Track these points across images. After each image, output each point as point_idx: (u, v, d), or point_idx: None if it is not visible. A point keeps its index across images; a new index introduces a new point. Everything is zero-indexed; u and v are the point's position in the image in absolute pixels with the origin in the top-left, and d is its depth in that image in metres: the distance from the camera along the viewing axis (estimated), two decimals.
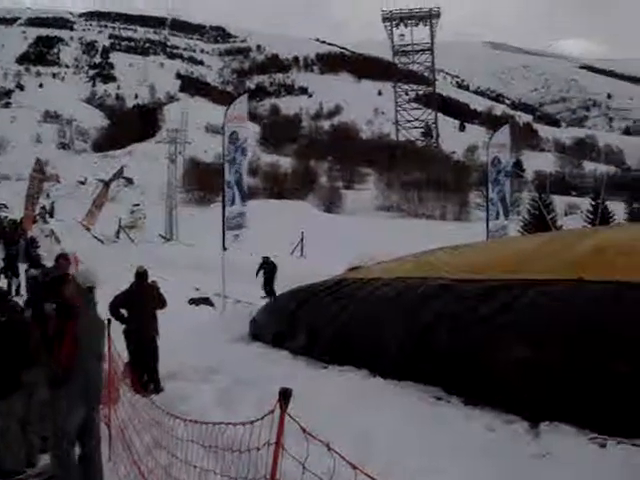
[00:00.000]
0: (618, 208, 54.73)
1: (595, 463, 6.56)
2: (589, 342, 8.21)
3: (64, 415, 6.22)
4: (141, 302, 10.76)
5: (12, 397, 6.77)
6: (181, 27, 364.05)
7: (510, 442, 7.55)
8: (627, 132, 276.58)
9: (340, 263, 21.58)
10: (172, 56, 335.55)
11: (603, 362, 7.92)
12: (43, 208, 56.80)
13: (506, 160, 23.95)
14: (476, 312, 9.92)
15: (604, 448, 7.05)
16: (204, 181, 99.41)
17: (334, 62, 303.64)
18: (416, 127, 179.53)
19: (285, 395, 3.37)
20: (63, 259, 11.95)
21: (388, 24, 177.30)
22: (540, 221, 43.77)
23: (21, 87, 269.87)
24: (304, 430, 3.31)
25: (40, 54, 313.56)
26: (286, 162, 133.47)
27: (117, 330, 10.05)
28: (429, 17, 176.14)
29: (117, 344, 9.01)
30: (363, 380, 10.58)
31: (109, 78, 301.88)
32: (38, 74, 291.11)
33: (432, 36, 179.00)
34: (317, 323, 12.96)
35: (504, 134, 24.85)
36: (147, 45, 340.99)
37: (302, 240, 42.91)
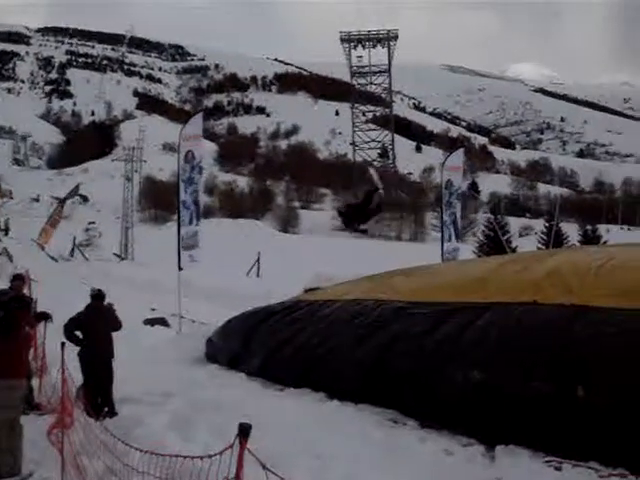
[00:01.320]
0: (572, 230, 55.42)
1: None
2: (543, 366, 8.28)
3: None
4: (96, 324, 10.59)
5: None
6: (139, 44, 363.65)
7: (467, 466, 7.57)
8: (581, 155, 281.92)
9: (297, 283, 21.59)
10: (129, 73, 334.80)
11: (558, 386, 7.98)
12: None
13: (459, 183, 24.08)
14: (431, 335, 9.96)
15: (559, 471, 7.10)
16: (160, 200, 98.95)
17: (292, 82, 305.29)
18: (373, 148, 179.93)
19: (244, 431, 3.34)
20: (18, 279, 11.79)
21: (346, 45, 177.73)
22: (495, 242, 44.23)
23: None
24: (264, 466, 3.29)
25: None
26: (243, 181, 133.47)
27: (72, 352, 9.90)
28: (387, 39, 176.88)
29: (71, 367, 8.87)
30: (320, 403, 10.55)
31: (65, 94, 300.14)
32: None
33: (390, 58, 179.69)
34: (273, 345, 12.91)
35: (458, 157, 24.98)
36: (104, 62, 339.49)
37: (258, 260, 42.77)
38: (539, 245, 49.17)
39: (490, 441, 8.15)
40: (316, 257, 43.45)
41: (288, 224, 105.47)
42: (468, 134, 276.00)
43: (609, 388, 7.59)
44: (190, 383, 11.78)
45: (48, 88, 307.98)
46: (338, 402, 10.39)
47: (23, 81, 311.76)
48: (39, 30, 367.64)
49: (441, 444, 8.31)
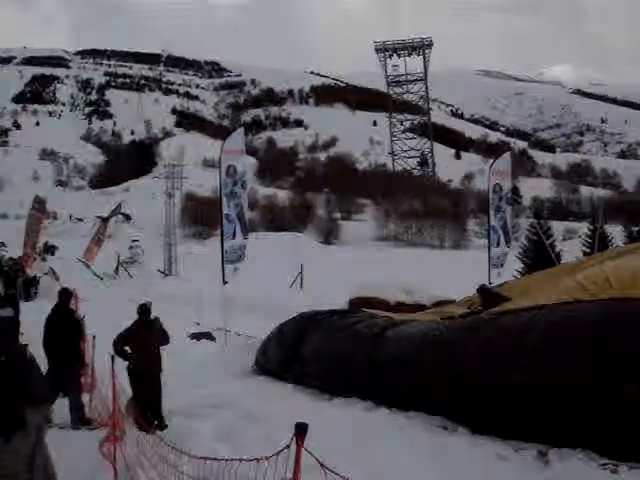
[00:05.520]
0: (616, 232, 54.69)
1: None
2: (594, 365, 8.15)
3: None
4: (144, 338, 10.66)
5: (15, 437, 6.66)
6: (176, 63, 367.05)
7: (520, 471, 7.47)
8: (622, 155, 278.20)
9: (340, 295, 21.54)
10: (167, 92, 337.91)
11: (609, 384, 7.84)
12: (45, 244, 56.97)
13: (507, 187, 23.84)
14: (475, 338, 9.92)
15: (616, 474, 6.98)
16: (201, 215, 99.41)
17: (329, 94, 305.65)
18: (412, 157, 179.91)
19: (301, 430, 3.34)
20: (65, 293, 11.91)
21: (381, 55, 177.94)
22: (539, 247, 43.71)
23: (18, 126, 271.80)
24: (322, 465, 3.29)
25: (36, 93, 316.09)
26: (283, 195, 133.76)
27: (121, 367, 9.98)
28: (421, 47, 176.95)
29: (120, 381, 8.94)
30: (369, 412, 10.52)
31: (105, 115, 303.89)
32: (35, 112, 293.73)
33: (425, 66, 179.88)
34: (320, 355, 12.90)
35: (505, 161, 24.69)
36: (142, 81, 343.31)
37: (301, 272, 42.77)
38: (584, 248, 48.54)
39: (543, 443, 8.05)
40: (359, 268, 43.31)
41: (330, 235, 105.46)
42: (507, 139, 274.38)
43: None
44: (238, 394, 11.82)
45: (88, 110, 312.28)
46: (387, 410, 10.35)
47: (64, 104, 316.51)
48: (78, 53, 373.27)
49: (493, 449, 8.21)
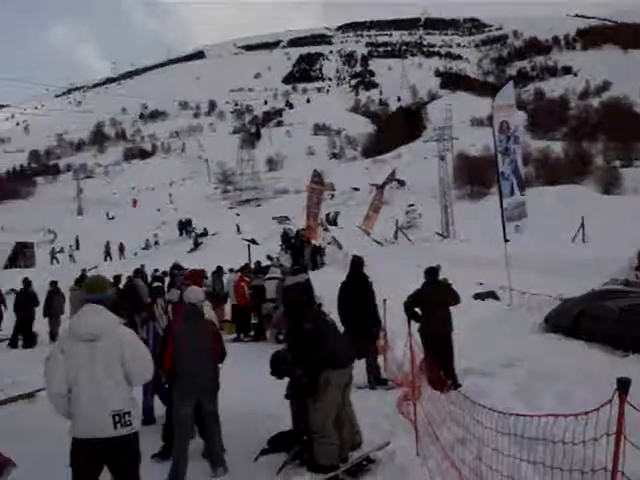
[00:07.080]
0: None
1: None
2: None
3: (176, 407, 7.81)
4: (434, 299, 10.92)
5: (323, 397, 7.14)
6: (435, 24, 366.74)
7: None
8: None
9: (627, 247, 20.62)
10: (429, 54, 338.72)
11: None
12: (327, 215, 59.54)
13: None
14: None
15: None
16: (475, 175, 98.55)
17: (597, 36, 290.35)
18: None
19: (624, 384, 3.36)
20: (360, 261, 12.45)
21: None
22: None
23: (290, 105, 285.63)
24: None
25: (304, 71, 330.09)
26: (557, 146, 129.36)
27: (413, 328, 10.29)
28: None
29: (412, 342, 9.24)
30: None
31: (371, 85, 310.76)
32: (304, 90, 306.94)
33: None
34: (611, 311, 12.52)
35: None
36: (404, 47, 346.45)
37: (582, 225, 41.31)
38: None
39: None
40: None
41: (610, 185, 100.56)
42: None
43: None
44: (529, 352, 11.80)
45: (354, 82, 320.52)
46: None
47: (330, 79, 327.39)
48: (339, 28, 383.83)
49: None
